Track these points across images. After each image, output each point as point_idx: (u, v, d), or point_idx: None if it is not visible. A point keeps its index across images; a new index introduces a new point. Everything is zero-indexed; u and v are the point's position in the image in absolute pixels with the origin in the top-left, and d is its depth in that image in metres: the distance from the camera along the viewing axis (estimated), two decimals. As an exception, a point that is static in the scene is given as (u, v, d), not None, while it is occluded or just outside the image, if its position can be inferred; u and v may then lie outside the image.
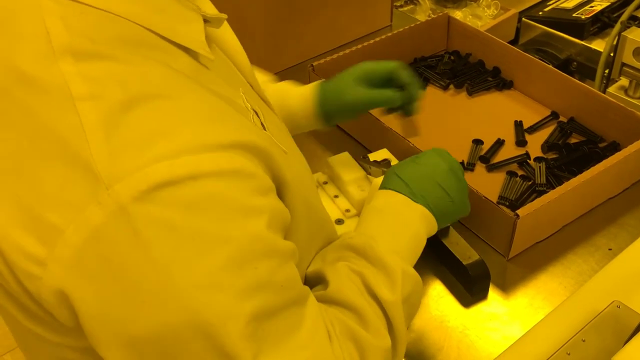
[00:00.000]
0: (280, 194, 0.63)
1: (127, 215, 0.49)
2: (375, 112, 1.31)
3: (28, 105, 0.52)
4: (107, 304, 0.52)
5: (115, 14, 0.56)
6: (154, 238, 0.50)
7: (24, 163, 0.52)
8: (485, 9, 1.67)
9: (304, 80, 1.32)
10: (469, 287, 0.96)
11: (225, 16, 0.69)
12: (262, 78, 0.99)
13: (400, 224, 0.80)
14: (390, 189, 0.84)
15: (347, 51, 1.33)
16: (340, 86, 1.00)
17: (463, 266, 0.93)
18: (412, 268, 0.75)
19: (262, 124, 0.66)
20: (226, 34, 0.76)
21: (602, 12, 1.53)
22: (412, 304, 0.75)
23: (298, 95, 1.02)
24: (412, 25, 1.41)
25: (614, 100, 1.16)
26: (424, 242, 0.82)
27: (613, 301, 0.88)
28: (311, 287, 0.74)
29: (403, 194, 0.82)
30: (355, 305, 0.69)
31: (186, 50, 0.61)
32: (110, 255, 0.50)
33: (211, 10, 0.68)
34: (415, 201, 0.82)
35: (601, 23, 1.53)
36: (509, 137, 1.23)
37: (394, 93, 0.99)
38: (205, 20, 0.65)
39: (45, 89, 0.52)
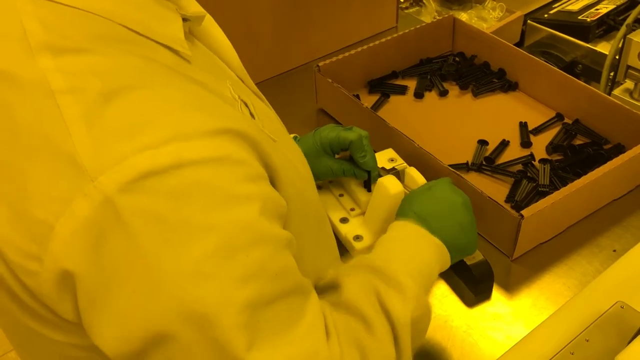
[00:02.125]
0: (272, 182, 0.62)
1: (113, 206, 0.49)
2: (382, 112, 1.31)
3: (8, 102, 0.52)
4: (99, 295, 0.52)
5: (92, 12, 0.56)
6: (141, 228, 0.50)
7: (8, 160, 0.52)
8: (491, 11, 1.67)
9: (310, 80, 1.33)
10: (473, 287, 0.96)
11: (204, 14, 0.69)
12: None
13: (415, 255, 0.79)
14: (407, 220, 0.83)
15: (353, 52, 1.34)
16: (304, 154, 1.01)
17: (467, 266, 0.93)
18: (425, 297, 0.74)
19: (251, 113, 0.65)
20: (212, 30, 0.76)
21: (607, 14, 1.53)
22: (420, 330, 0.74)
23: None
24: (417, 26, 1.41)
25: (619, 103, 1.17)
26: (435, 277, 0.80)
27: (617, 301, 0.88)
28: (324, 295, 0.74)
29: (420, 226, 0.81)
30: (363, 313, 0.68)
31: (165, 46, 0.61)
32: (99, 247, 0.50)
33: (193, 8, 0.68)
34: (432, 233, 0.81)
35: (606, 26, 1.54)
36: (514, 138, 1.24)
37: (351, 167, 1.01)
38: (185, 19, 0.65)
39: (24, 85, 0.52)
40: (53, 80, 0.51)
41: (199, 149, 0.52)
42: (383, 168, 1.07)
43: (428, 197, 0.86)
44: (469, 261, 0.93)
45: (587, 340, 0.84)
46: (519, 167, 1.17)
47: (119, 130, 0.51)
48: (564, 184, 1.05)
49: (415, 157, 1.09)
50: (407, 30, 1.40)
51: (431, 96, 1.37)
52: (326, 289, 0.75)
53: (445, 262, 0.82)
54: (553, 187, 1.10)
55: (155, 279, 0.51)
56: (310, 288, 0.64)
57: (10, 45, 0.53)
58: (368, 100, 1.35)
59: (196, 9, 0.68)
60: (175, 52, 0.62)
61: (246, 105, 0.66)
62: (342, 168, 1.01)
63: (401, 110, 1.34)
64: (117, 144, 0.50)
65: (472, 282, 0.95)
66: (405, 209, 0.86)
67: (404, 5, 1.75)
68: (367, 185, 1.03)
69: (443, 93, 1.36)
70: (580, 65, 1.52)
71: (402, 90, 1.38)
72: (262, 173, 0.59)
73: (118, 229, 0.50)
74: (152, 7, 0.61)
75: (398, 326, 0.69)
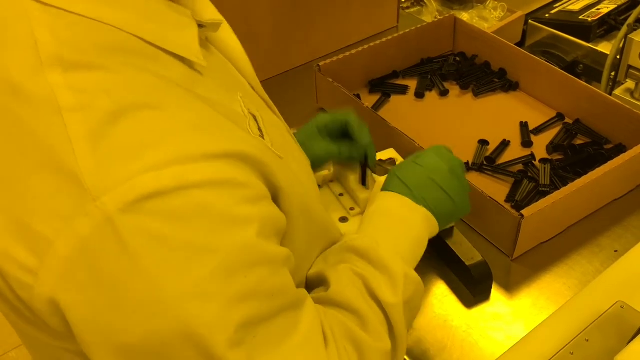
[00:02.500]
0: (276, 199, 0.63)
1: (114, 227, 0.49)
2: (383, 112, 1.31)
3: (17, 115, 0.52)
4: (96, 313, 0.52)
5: (105, 22, 0.55)
6: (141, 249, 0.50)
7: (13, 173, 0.52)
8: (492, 11, 1.67)
9: (310, 80, 1.33)
10: (472, 288, 0.96)
11: (221, 21, 0.69)
12: None
13: (403, 226, 0.80)
14: (391, 191, 0.84)
15: (354, 52, 1.34)
16: (301, 141, 0.99)
17: (466, 267, 0.93)
18: (414, 271, 0.75)
19: (259, 128, 0.66)
20: (227, 36, 0.76)
21: (608, 14, 1.53)
22: (414, 307, 0.75)
23: None
24: (418, 26, 1.41)
25: (620, 103, 1.16)
26: (425, 244, 0.82)
27: (617, 301, 0.88)
28: (312, 289, 0.74)
29: (405, 196, 0.82)
30: (355, 307, 0.69)
31: (179, 57, 0.60)
32: (98, 266, 0.50)
33: (209, 14, 0.67)
34: (416, 203, 0.82)
35: (608, 25, 1.53)
36: (515, 138, 1.24)
37: (348, 147, 1.00)
38: (201, 25, 0.64)
39: (33, 100, 0.52)
40: (61, 96, 0.51)
41: (202, 171, 0.53)
42: (380, 160, 1.07)
43: (412, 167, 0.86)
44: (468, 262, 0.93)
45: (587, 340, 0.84)
46: (520, 167, 1.17)
47: (124, 151, 0.51)
48: (565, 184, 1.04)
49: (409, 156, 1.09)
50: (407, 30, 1.40)
51: (432, 96, 1.37)
52: (314, 283, 0.75)
53: (433, 229, 0.83)
54: (553, 187, 1.09)
55: (155, 299, 0.51)
56: (305, 296, 0.65)
57: (20, 56, 0.53)
58: (369, 100, 1.35)
59: (212, 15, 0.68)
60: (189, 62, 0.61)
61: (255, 119, 0.66)
62: (340, 150, 1.00)
63: (402, 110, 1.33)
64: (121, 164, 0.50)
65: (470, 283, 0.95)
66: (390, 175, 0.86)
67: (404, 5, 1.75)
68: (363, 179, 1.03)
69: (444, 93, 1.36)
70: (581, 65, 1.52)
71: (403, 90, 1.38)
72: (263, 193, 0.59)
73: (118, 249, 0.50)
74: (167, 14, 0.61)
75: (390, 312, 0.70)
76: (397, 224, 0.80)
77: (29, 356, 0.73)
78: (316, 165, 1.02)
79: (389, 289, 0.71)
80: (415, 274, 0.75)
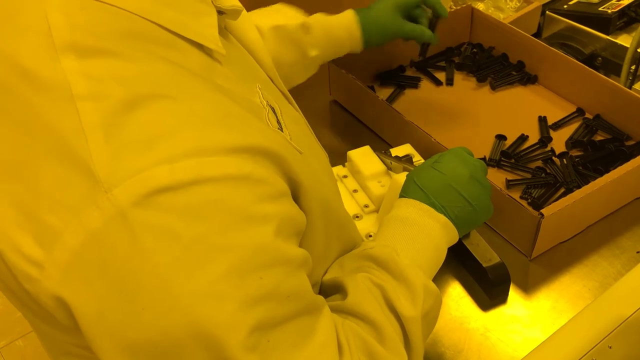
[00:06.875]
0: (295, 196, 0.61)
1: (126, 220, 0.48)
2: (397, 105, 1.28)
3: (29, 102, 0.51)
4: (105, 309, 0.50)
5: (122, 8, 0.54)
6: (153, 244, 0.49)
7: (23, 161, 0.51)
8: (508, 1, 1.64)
9: (323, 71, 1.30)
10: (488, 290, 0.93)
11: (241, 8, 0.67)
12: (295, 16, 1.14)
13: (422, 235, 0.77)
14: (410, 198, 0.81)
15: (368, 42, 1.30)
16: (381, 18, 1.13)
17: (483, 268, 0.91)
18: (433, 283, 0.73)
19: (278, 121, 0.64)
20: (245, 25, 0.74)
21: (629, 6, 1.49)
22: (431, 319, 0.73)
23: (342, 26, 1.13)
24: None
25: (642, 98, 1.13)
26: (444, 254, 0.80)
27: (640, 306, 0.86)
28: (328, 296, 0.72)
29: (424, 204, 0.80)
30: (373, 319, 0.67)
31: (198, 45, 0.59)
32: (108, 260, 0.49)
33: (229, 1, 0.65)
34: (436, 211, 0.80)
35: (628, 17, 1.50)
36: (533, 133, 1.21)
37: (424, 29, 1.14)
38: (221, 12, 0.63)
39: (46, 87, 0.50)
40: (75, 84, 0.49)
41: (219, 165, 0.51)
42: (397, 157, 1.05)
43: (432, 173, 0.83)
44: (485, 263, 0.91)
45: (610, 347, 0.82)
46: (539, 162, 1.14)
47: (137, 142, 0.49)
48: (585, 182, 1.02)
49: (431, 151, 1.06)
50: (423, 21, 1.36)
51: (448, 89, 1.34)
52: (330, 289, 0.73)
53: (453, 237, 0.81)
54: (573, 184, 1.07)
55: (166, 297, 0.49)
56: (323, 303, 0.63)
57: (33, 42, 0.51)
58: (382, 93, 1.32)
59: (232, 2, 0.66)
60: (208, 50, 0.60)
61: (274, 111, 0.64)
62: (413, 27, 1.13)
63: (417, 104, 1.31)
64: (134, 155, 0.49)
65: (487, 285, 0.92)
66: (409, 181, 0.84)
67: (419, -6, 1.71)
68: (423, 52, 1.19)
69: (458, 82, 1.33)
70: (599, 58, 1.48)
71: (418, 82, 1.35)
72: (282, 189, 0.57)
73: (129, 244, 0.48)
74: (185, 0, 0.59)
75: (408, 325, 0.68)
76: (416, 232, 0.77)
77: (36, 344, 0.72)
78: (394, 38, 1.15)
79: (408, 301, 0.68)
80: (434, 286, 0.72)
